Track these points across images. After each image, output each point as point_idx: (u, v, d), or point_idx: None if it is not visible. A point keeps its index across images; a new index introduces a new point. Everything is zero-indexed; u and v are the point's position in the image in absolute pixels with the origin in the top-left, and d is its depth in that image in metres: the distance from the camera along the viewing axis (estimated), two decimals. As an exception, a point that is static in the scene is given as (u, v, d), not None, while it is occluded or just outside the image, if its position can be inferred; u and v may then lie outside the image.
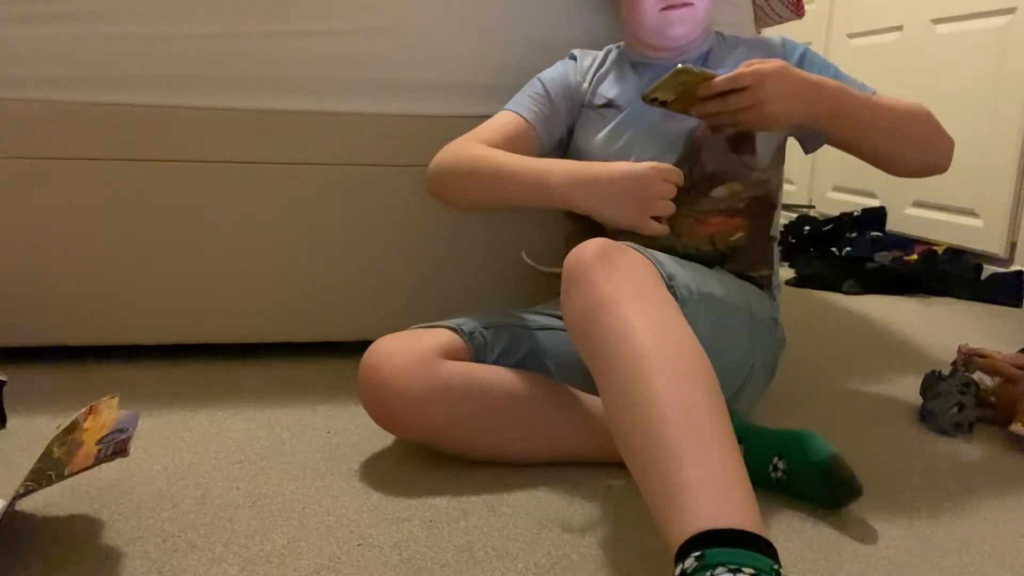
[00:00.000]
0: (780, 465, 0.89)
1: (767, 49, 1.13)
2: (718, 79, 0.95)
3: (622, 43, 1.21)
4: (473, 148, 1.08)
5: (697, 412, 0.67)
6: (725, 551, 0.57)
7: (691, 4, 1.07)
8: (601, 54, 1.21)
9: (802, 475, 0.87)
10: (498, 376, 0.95)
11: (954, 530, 0.86)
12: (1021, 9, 2.10)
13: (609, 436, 0.95)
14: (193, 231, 1.31)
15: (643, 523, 0.85)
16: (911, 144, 1.07)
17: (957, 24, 2.33)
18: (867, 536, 0.83)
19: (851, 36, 2.85)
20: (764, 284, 1.09)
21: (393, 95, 1.31)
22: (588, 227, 1.06)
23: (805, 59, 1.12)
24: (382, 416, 0.94)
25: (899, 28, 2.59)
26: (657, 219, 0.97)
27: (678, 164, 1.05)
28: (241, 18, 1.25)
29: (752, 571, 0.55)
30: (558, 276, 0.84)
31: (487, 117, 1.16)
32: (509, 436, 0.96)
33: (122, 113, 1.25)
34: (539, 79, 1.18)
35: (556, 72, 1.18)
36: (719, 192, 1.04)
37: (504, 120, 1.13)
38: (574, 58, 1.21)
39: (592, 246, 0.80)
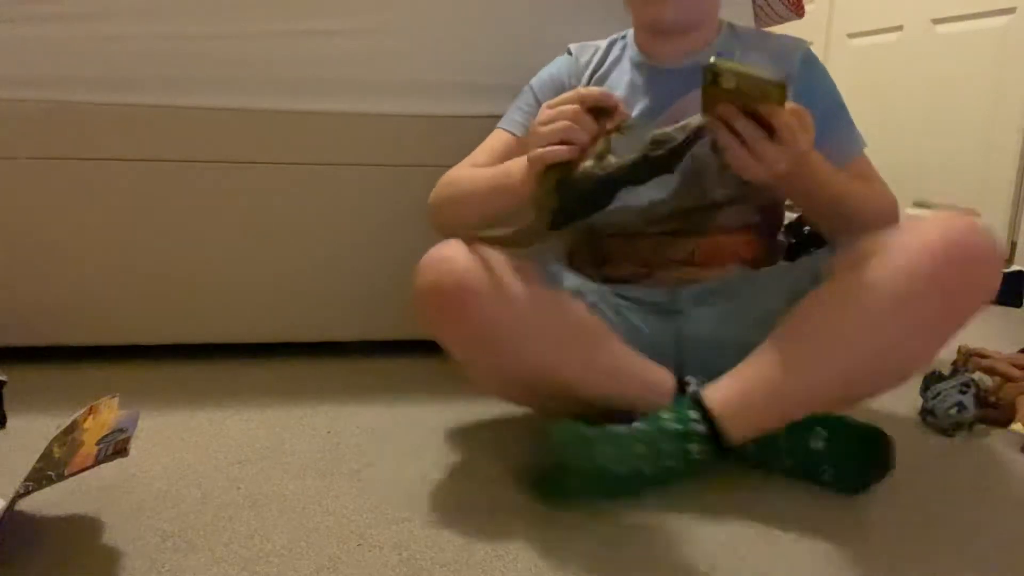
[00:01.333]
0: (822, 433, 0.91)
1: (782, 57, 1.05)
2: (787, 113, 0.81)
3: (628, 32, 1.14)
4: (456, 174, 1.08)
5: None
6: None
7: None
8: (603, 47, 1.14)
9: (845, 442, 0.91)
10: (569, 300, 0.96)
11: (954, 530, 0.86)
12: (1021, 9, 2.10)
13: (657, 390, 0.95)
14: (193, 231, 1.31)
15: (645, 523, 0.85)
16: (856, 230, 0.99)
17: (957, 24, 2.33)
18: (867, 536, 0.83)
19: (851, 36, 2.85)
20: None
21: (393, 95, 1.31)
22: (589, 233, 1.09)
23: (814, 77, 1.05)
24: (448, 308, 0.89)
25: (899, 28, 2.59)
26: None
27: (681, 187, 1.01)
28: (241, 18, 1.25)
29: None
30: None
31: (487, 117, 1.16)
32: (571, 356, 0.92)
33: (122, 113, 1.24)
34: (530, 87, 1.14)
35: (547, 75, 1.14)
36: (727, 212, 1.03)
37: (496, 141, 1.12)
38: (571, 54, 1.15)
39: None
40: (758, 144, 0.81)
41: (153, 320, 1.33)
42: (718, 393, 0.90)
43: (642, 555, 0.79)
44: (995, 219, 2.16)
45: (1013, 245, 2.13)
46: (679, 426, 0.88)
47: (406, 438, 1.07)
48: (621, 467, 0.88)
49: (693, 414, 0.88)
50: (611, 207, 1.00)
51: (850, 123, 1.05)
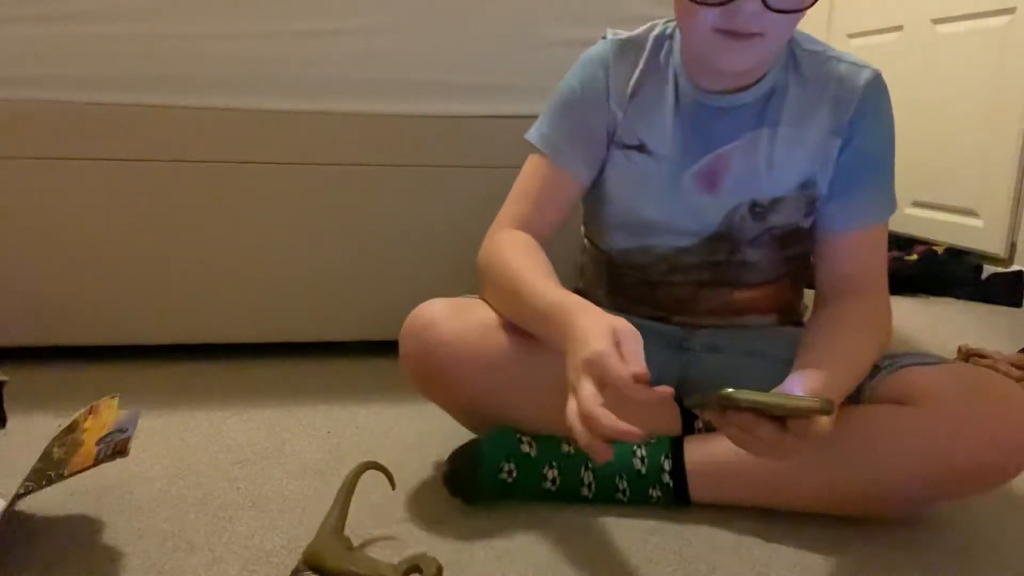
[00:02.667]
0: None
1: (841, 89, 0.90)
2: (821, 427, 0.69)
3: (675, 30, 0.94)
4: (510, 259, 0.89)
5: None
6: None
7: (759, 35, 0.79)
8: (647, 53, 0.94)
9: None
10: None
11: (954, 530, 0.86)
12: (1021, 9, 2.10)
13: (662, 416, 0.92)
14: (193, 231, 1.31)
15: (645, 522, 0.85)
16: None
17: (957, 24, 2.33)
18: (866, 537, 0.83)
19: (851, 36, 2.85)
20: (800, 315, 1.06)
21: (393, 95, 1.31)
22: (609, 266, 1.03)
23: (868, 123, 0.90)
24: (435, 378, 0.88)
25: (899, 28, 2.59)
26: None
27: (711, 239, 0.94)
28: (241, 18, 1.25)
29: None
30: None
31: (488, 117, 1.15)
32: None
33: (122, 113, 1.24)
34: (573, 94, 0.95)
35: (588, 80, 0.94)
36: (759, 268, 0.97)
37: (541, 176, 0.94)
38: (608, 56, 0.94)
39: None
40: (774, 441, 0.68)
41: (153, 320, 1.32)
42: (700, 449, 0.87)
43: (642, 555, 0.79)
44: (995, 219, 2.16)
45: (1013, 245, 2.13)
46: (644, 470, 0.87)
47: (406, 438, 1.07)
48: (562, 492, 0.88)
49: (666, 463, 0.87)
50: (634, 247, 0.97)
51: (884, 184, 0.93)
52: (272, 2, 1.25)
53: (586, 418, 0.65)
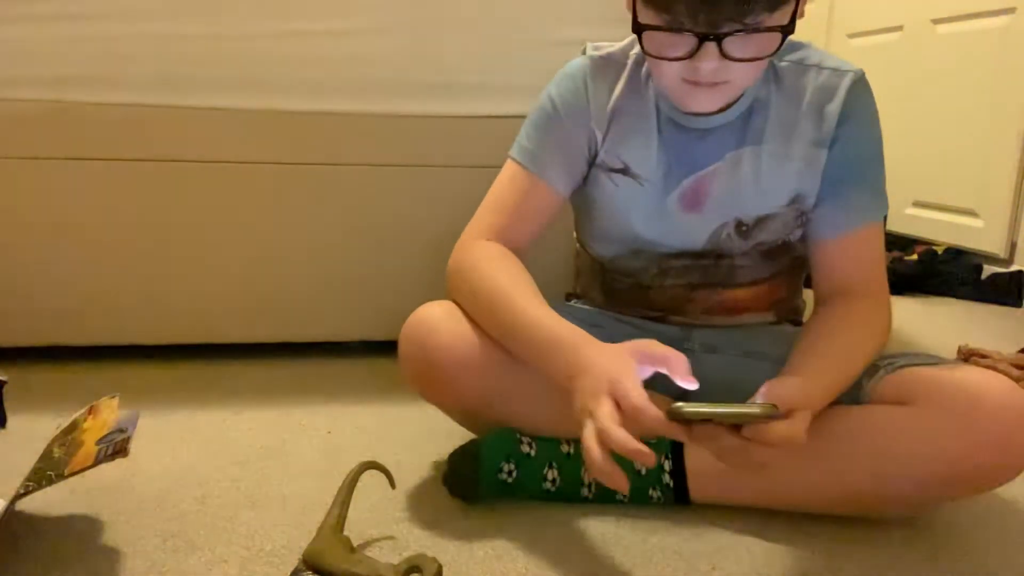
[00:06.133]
0: None
1: (823, 98, 0.89)
2: (778, 435, 0.69)
3: None
4: (490, 273, 0.88)
5: None
6: None
7: (725, 83, 0.80)
8: (627, 71, 0.93)
9: None
10: None
11: (954, 530, 0.86)
12: (1021, 9, 2.10)
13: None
14: (193, 231, 1.31)
15: (645, 522, 0.85)
16: None
17: (957, 24, 2.33)
18: (866, 537, 0.83)
19: (851, 36, 2.85)
20: (799, 312, 1.06)
21: (393, 95, 1.31)
22: (602, 271, 1.03)
23: (852, 124, 0.88)
24: (434, 381, 0.88)
25: (899, 28, 2.59)
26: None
27: (698, 257, 0.95)
28: (241, 18, 1.25)
29: None
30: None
31: (487, 118, 1.15)
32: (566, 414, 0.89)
33: (122, 113, 1.24)
34: (554, 107, 0.94)
35: (569, 95, 0.93)
36: (749, 269, 0.97)
37: (519, 187, 0.94)
38: (586, 73, 0.94)
39: None
40: (739, 450, 0.69)
41: (153, 320, 1.33)
42: (700, 450, 0.84)
43: (642, 555, 0.79)
44: (995, 219, 2.16)
45: (1013, 245, 2.13)
46: (645, 470, 0.87)
47: (405, 438, 1.07)
48: (562, 491, 0.88)
49: (666, 463, 0.87)
50: (624, 253, 0.98)
51: (874, 185, 0.90)
52: (273, 2, 1.25)
53: (602, 433, 0.67)
